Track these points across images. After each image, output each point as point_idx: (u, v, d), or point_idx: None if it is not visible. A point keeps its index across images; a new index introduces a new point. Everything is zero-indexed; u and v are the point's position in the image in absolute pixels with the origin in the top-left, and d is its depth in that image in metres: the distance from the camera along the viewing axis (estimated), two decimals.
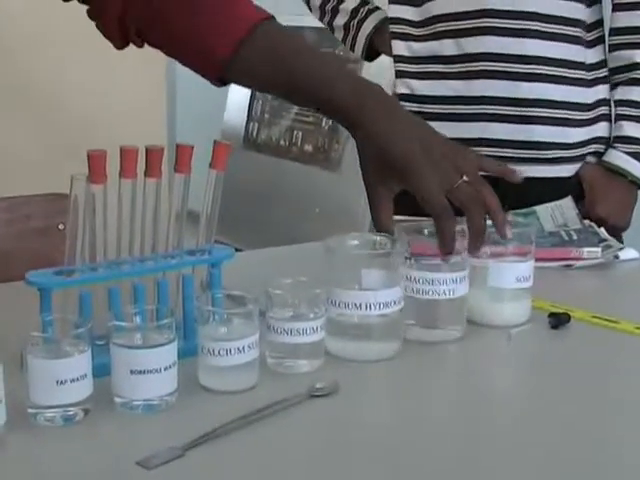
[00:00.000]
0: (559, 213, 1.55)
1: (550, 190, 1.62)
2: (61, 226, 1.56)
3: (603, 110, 1.68)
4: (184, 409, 0.94)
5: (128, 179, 1.02)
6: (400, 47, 1.71)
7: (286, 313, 1.03)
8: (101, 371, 0.94)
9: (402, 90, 1.72)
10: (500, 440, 0.91)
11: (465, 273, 1.12)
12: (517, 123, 1.63)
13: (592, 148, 1.68)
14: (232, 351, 0.96)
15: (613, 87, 1.69)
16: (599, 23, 1.68)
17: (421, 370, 1.07)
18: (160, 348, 0.93)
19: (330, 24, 1.87)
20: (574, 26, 1.63)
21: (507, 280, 1.17)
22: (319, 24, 1.93)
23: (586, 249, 1.44)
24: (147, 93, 2.94)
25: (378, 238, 1.13)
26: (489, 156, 1.63)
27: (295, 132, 3.43)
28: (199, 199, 1.09)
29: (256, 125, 3.60)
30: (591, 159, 1.69)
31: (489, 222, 1.21)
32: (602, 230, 1.53)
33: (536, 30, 1.60)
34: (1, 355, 0.87)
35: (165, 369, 0.93)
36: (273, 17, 1.16)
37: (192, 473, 0.83)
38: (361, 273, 1.06)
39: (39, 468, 0.85)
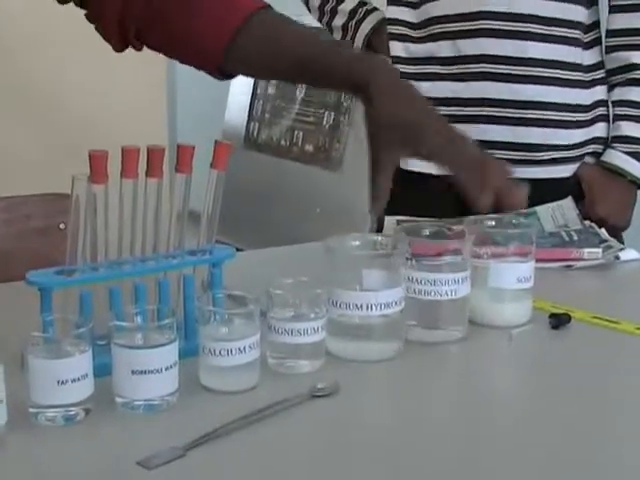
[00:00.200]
0: (560, 214, 1.55)
1: (549, 191, 1.61)
2: (62, 226, 1.56)
3: (601, 111, 1.68)
4: (185, 409, 0.94)
5: (129, 179, 1.02)
6: (398, 48, 1.71)
7: (287, 313, 1.03)
8: (102, 371, 0.94)
9: None
10: (501, 440, 0.91)
11: (467, 274, 1.12)
12: (515, 125, 1.63)
13: (590, 149, 1.68)
14: (233, 351, 0.96)
15: (610, 88, 1.69)
16: (596, 25, 1.68)
17: (422, 370, 1.07)
18: (161, 348, 0.93)
19: (329, 25, 1.87)
20: (573, 28, 1.63)
21: (508, 280, 1.17)
22: (318, 25, 1.93)
23: (587, 250, 1.44)
24: (148, 93, 2.94)
25: (379, 238, 1.13)
26: None
27: (296, 132, 3.43)
28: (200, 199, 1.09)
29: (257, 125, 3.60)
30: (589, 159, 1.69)
31: (489, 223, 1.22)
32: (603, 231, 1.53)
33: (534, 32, 1.60)
34: (2, 355, 0.87)
35: (166, 369, 0.93)
36: (270, 6, 1.17)
37: (193, 473, 0.83)
38: (362, 273, 1.06)
39: (40, 468, 0.85)
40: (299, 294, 1.03)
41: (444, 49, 1.65)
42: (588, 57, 1.66)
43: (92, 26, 1.23)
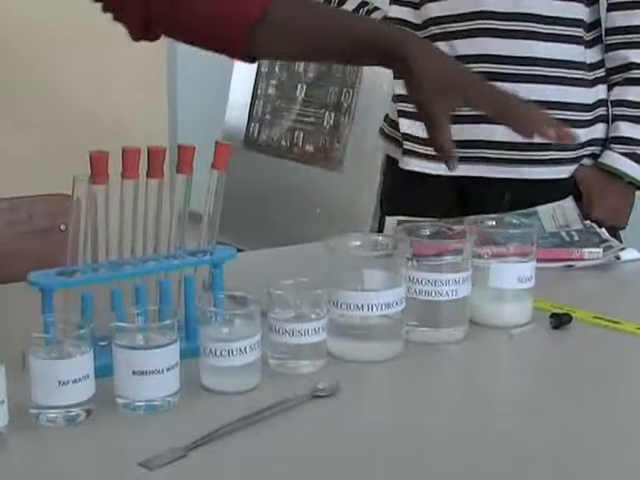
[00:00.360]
0: (560, 214, 1.55)
1: (548, 191, 1.61)
2: (63, 227, 1.56)
3: (601, 111, 1.68)
4: (186, 410, 0.94)
5: (130, 180, 1.02)
6: None
7: (288, 314, 1.03)
8: (103, 372, 0.94)
9: (401, 91, 1.72)
10: (501, 440, 0.91)
11: (468, 274, 1.12)
12: None
13: (588, 150, 1.68)
14: (234, 352, 0.96)
15: (610, 88, 1.69)
16: (598, 23, 1.68)
17: (423, 371, 1.07)
18: (162, 349, 0.93)
19: None
20: (575, 26, 1.63)
21: (509, 281, 1.17)
22: None
23: (587, 250, 1.44)
24: (148, 93, 2.94)
25: (380, 238, 1.13)
26: (489, 158, 1.63)
27: (296, 132, 3.43)
28: (200, 200, 1.09)
29: (257, 125, 3.60)
30: (587, 162, 1.68)
31: (490, 223, 1.22)
32: (603, 231, 1.53)
33: (535, 31, 1.60)
34: (3, 356, 0.87)
35: (167, 370, 0.93)
36: None
37: (194, 474, 0.84)
38: (363, 274, 1.06)
39: (41, 468, 0.85)
40: (300, 294, 1.04)
41: (443, 50, 1.65)
42: (590, 55, 1.66)
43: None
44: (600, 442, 0.91)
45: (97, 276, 1.02)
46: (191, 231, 1.09)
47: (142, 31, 1.22)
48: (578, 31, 1.63)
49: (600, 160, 1.67)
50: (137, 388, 0.93)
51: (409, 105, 1.68)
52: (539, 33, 1.60)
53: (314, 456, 0.87)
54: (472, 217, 1.19)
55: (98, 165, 1.00)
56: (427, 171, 1.65)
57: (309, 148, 3.37)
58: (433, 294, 1.10)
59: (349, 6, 1.82)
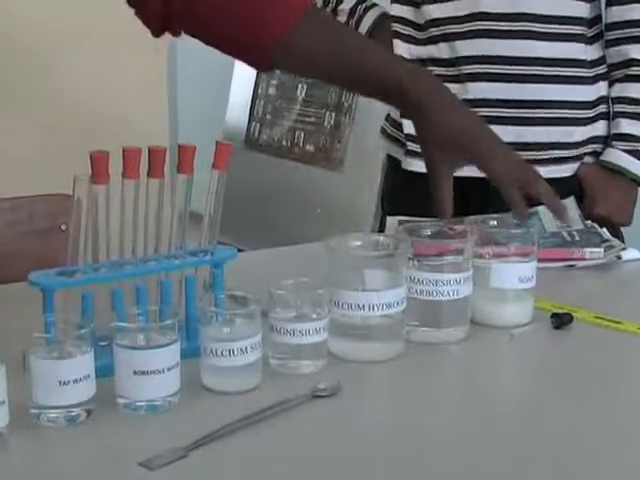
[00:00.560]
0: None
1: None
2: (64, 227, 1.56)
3: (602, 109, 1.68)
4: (187, 410, 0.94)
5: (131, 179, 1.02)
6: (401, 49, 1.71)
7: (289, 314, 1.03)
8: (104, 372, 0.94)
9: None
10: (502, 441, 0.91)
11: (469, 274, 1.12)
12: (517, 125, 1.63)
13: (590, 148, 1.68)
14: (235, 352, 0.96)
15: (611, 84, 1.69)
16: (599, 18, 1.68)
17: (424, 371, 1.07)
18: (163, 349, 0.93)
19: None
20: (576, 24, 1.62)
21: (510, 281, 1.17)
22: None
23: (588, 249, 1.43)
24: (149, 93, 2.94)
25: (381, 238, 1.12)
26: None
27: (297, 132, 3.43)
28: (201, 200, 1.09)
29: (258, 125, 3.60)
30: (589, 159, 1.68)
31: (491, 223, 1.22)
32: (604, 230, 1.53)
33: (531, 31, 1.60)
34: (4, 356, 0.87)
35: (168, 370, 0.93)
36: (316, 5, 1.20)
37: (195, 474, 0.83)
38: (364, 274, 1.06)
39: (42, 468, 0.85)
40: (301, 294, 1.03)
41: (443, 51, 1.65)
42: (591, 52, 1.66)
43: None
44: (601, 442, 0.91)
45: (98, 276, 1.02)
46: (192, 231, 1.09)
47: (162, 26, 1.22)
48: (579, 29, 1.63)
49: (602, 157, 1.67)
50: (138, 388, 0.93)
51: None
52: (537, 32, 1.60)
53: (315, 456, 0.87)
54: (473, 217, 1.19)
55: (99, 165, 1.00)
56: None
57: (310, 148, 3.37)
58: (434, 294, 1.10)
59: (347, 5, 1.82)
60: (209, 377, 0.99)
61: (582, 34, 1.63)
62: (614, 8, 1.64)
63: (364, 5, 1.82)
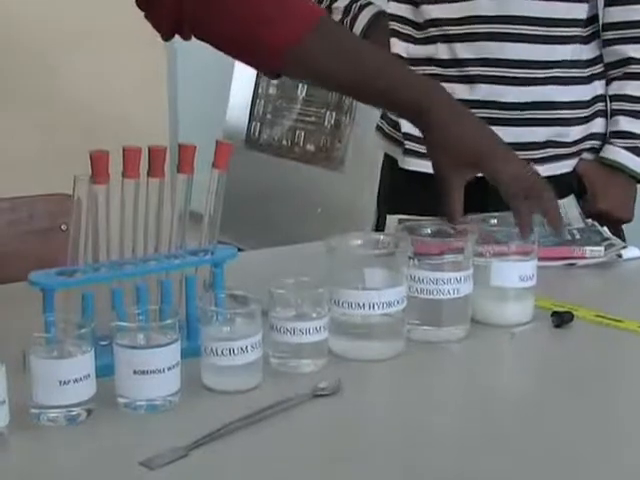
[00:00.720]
0: (562, 212, 1.54)
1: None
2: (64, 226, 1.56)
3: (600, 106, 1.68)
4: (187, 409, 0.94)
5: (131, 179, 1.02)
6: (399, 47, 1.71)
7: (289, 313, 1.03)
8: (104, 371, 0.94)
9: None
10: (503, 439, 0.91)
11: (469, 272, 1.12)
12: (515, 126, 1.63)
13: (588, 144, 1.68)
14: (235, 351, 0.96)
15: (608, 82, 1.69)
16: (595, 18, 1.68)
17: (424, 370, 1.07)
18: (163, 348, 0.93)
19: None
20: (572, 26, 1.62)
21: (510, 279, 1.17)
22: None
23: (589, 248, 1.43)
24: (148, 93, 2.94)
25: (381, 237, 1.12)
26: None
27: (297, 132, 3.43)
28: (201, 199, 1.09)
29: (258, 125, 3.60)
30: (587, 156, 1.69)
31: (491, 221, 1.22)
32: (605, 229, 1.53)
33: (525, 34, 1.60)
34: (4, 356, 0.87)
35: (168, 369, 0.93)
36: (329, 12, 1.20)
37: (195, 473, 0.83)
38: (364, 272, 1.06)
39: (42, 468, 0.85)
40: (301, 293, 1.03)
41: (441, 52, 1.65)
42: (587, 52, 1.66)
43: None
44: (602, 440, 0.90)
45: (98, 276, 1.02)
46: (192, 230, 1.09)
47: (173, 30, 1.22)
48: (576, 31, 1.63)
49: (601, 154, 1.67)
50: (138, 387, 0.93)
51: None
52: (533, 35, 1.60)
53: (315, 456, 0.87)
54: (473, 216, 1.19)
55: (99, 165, 1.00)
56: (428, 171, 1.64)
57: (310, 148, 3.37)
58: (434, 293, 1.10)
59: (342, 3, 1.82)
60: (209, 376, 0.98)
61: (577, 35, 1.63)
62: (612, 8, 1.64)
63: (359, 3, 1.82)
